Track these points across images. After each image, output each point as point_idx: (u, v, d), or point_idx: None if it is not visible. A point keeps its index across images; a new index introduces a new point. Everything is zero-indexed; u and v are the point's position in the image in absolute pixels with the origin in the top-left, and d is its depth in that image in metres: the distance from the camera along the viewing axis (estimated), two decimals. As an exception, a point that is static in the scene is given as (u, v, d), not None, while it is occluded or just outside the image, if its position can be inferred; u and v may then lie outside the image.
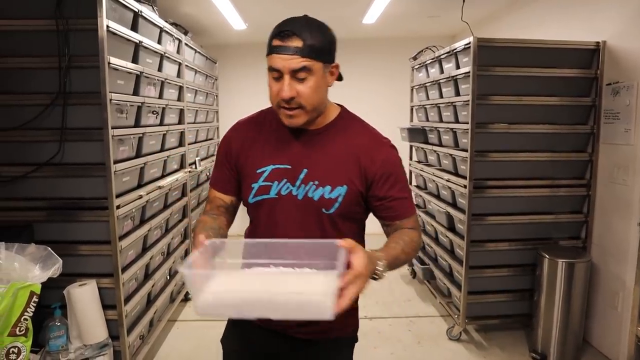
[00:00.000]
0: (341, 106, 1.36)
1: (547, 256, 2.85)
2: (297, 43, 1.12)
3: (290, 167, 1.24)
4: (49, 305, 2.30)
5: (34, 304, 1.63)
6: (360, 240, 1.31)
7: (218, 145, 1.46)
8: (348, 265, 0.95)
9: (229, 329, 1.45)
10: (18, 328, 1.61)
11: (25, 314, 1.60)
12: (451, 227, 3.40)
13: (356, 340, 1.44)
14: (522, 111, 3.00)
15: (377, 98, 5.72)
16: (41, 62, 2.23)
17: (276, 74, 1.16)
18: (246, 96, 5.47)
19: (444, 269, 3.58)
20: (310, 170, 1.23)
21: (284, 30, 1.14)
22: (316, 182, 1.22)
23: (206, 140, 4.53)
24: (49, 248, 1.74)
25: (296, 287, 0.93)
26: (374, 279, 1.07)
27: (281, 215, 1.25)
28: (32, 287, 1.61)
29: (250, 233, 1.35)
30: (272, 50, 1.15)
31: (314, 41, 1.14)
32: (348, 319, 1.34)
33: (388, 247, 1.17)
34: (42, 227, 2.36)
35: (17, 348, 1.61)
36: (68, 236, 2.38)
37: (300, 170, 1.23)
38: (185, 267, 0.93)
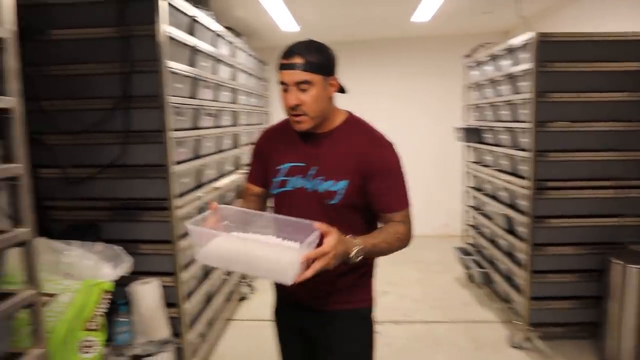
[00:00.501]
0: (348, 112, 1.56)
1: (618, 262, 2.69)
2: (299, 60, 1.38)
3: (304, 164, 1.48)
4: (115, 302, 2.37)
5: (107, 301, 1.68)
6: (365, 227, 1.50)
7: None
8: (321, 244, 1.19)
9: (276, 307, 1.70)
10: (92, 323, 1.67)
11: (99, 309, 1.66)
12: (511, 230, 3.28)
13: (371, 310, 1.61)
14: (587, 108, 2.86)
15: (427, 98, 5.61)
16: (104, 68, 2.32)
17: (284, 87, 1.41)
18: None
19: (504, 272, 3.45)
20: (319, 167, 1.46)
21: (289, 50, 1.41)
22: (322, 177, 1.45)
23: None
24: (119, 247, 1.80)
25: (270, 254, 1.19)
26: (347, 260, 1.28)
27: (295, 204, 1.47)
28: (104, 284, 1.67)
29: None
30: (280, 67, 1.42)
31: (313, 59, 1.39)
32: (363, 293, 1.58)
33: (369, 236, 1.38)
34: (107, 227, 2.45)
35: (91, 342, 1.67)
36: (130, 235, 2.45)
37: (310, 167, 1.47)
38: (192, 223, 1.27)
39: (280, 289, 1.65)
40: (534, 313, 3.00)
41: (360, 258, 1.30)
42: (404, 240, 1.45)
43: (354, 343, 1.55)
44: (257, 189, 1.64)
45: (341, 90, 1.52)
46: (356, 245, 1.29)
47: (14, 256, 1.42)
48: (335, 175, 1.44)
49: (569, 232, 2.96)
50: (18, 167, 1.30)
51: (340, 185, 1.43)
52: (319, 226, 1.21)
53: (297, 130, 1.47)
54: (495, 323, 3.45)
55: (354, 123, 1.53)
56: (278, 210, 1.53)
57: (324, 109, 1.45)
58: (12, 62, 1.29)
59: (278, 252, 1.19)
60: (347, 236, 1.29)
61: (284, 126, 1.59)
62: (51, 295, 1.62)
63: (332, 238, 1.21)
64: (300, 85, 1.38)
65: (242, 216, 1.38)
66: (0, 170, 1.26)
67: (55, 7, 2.32)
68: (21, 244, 1.32)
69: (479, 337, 3.24)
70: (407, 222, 1.47)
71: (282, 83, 1.42)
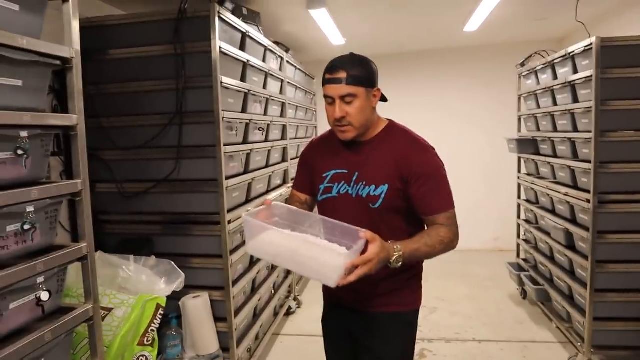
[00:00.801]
0: (389, 120, 1.62)
1: (692, 281, 2.49)
2: (342, 75, 1.44)
3: (347, 171, 1.55)
4: (167, 315, 2.40)
5: (160, 316, 1.70)
6: (409, 229, 1.53)
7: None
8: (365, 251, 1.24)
9: (325, 311, 1.77)
10: (146, 338, 1.68)
11: (153, 325, 1.67)
12: (570, 246, 3.10)
13: (416, 313, 1.63)
14: (653, 116, 2.68)
15: (478, 108, 5.46)
16: (159, 84, 2.38)
17: (330, 100, 1.49)
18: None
19: (563, 290, 3.27)
20: (361, 173, 1.52)
21: (333, 66, 1.47)
22: (364, 182, 1.51)
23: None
24: (173, 263, 1.81)
25: (318, 255, 1.23)
26: (390, 265, 1.32)
27: (340, 209, 1.53)
28: (158, 299, 1.68)
29: None
30: (325, 82, 1.48)
31: (356, 72, 1.45)
32: (406, 297, 1.59)
33: (410, 241, 1.40)
34: (160, 240, 2.49)
35: (145, 357, 1.69)
36: (182, 249, 2.48)
37: (353, 174, 1.53)
38: (248, 215, 1.33)
39: (327, 292, 1.72)
40: (596, 334, 2.81)
41: (400, 264, 1.34)
42: (448, 244, 1.46)
43: (393, 345, 1.58)
44: (302, 196, 1.71)
45: (383, 99, 1.58)
46: (396, 251, 1.33)
47: (73, 270, 1.45)
48: (376, 180, 1.50)
49: (633, 248, 2.77)
50: (79, 183, 1.33)
51: (381, 190, 1.48)
52: (364, 235, 1.26)
53: (342, 139, 1.54)
54: (553, 344, 3.26)
55: (394, 129, 1.58)
56: (323, 214, 1.56)
57: (368, 119, 1.51)
58: (77, 81, 1.33)
59: (326, 255, 1.23)
60: (389, 242, 1.34)
61: (328, 137, 1.68)
62: (108, 309, 1.65)
63: (376, 246, 1.26)
64: (345, 98, 1.45)
65: (292, 215, 1.44)
66: (63, 186, 1.29)
67: (113, 27, 2.41)
68: (82, 258, 1.35)
69: (535, 358, 3.07)
70: (450, 224, 1.48)
71: (327, 97, 1.49)
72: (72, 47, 1.28)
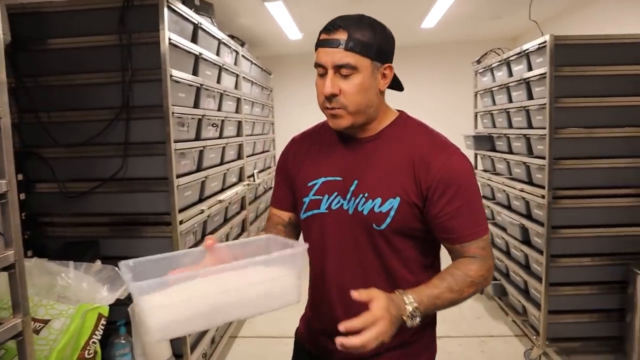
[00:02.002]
0: (401, 111, 1.23)
1: (641, 273, 2.57)
2: (342, 36, 1.06)
3: (341, 179, 1.14)
4: (114, 322, 2.26)
5: (102, 327, 1.57)
6: (424, 260, 1.16)
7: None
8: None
9: (299, 332, 1.36)
10: (87, 351, 1.55)
11: (94, 336, 1.55)
12: (526, 241, 3.15)
13: None
14: (604, 113, 2.74)
15: (438, 105, 5.53)
16: (105, 77, 2.22)
17: (321, 70, 1.10)
18: (301, 106, 5.42)
19: (518, 285, 3.32)
20: (360, 181, 1.11)
21: (332, 23, 1.08)
22: (366, 194, 1.10)
23: (263, 152, 4.49)
24: (117, 268, 1.69)
25: (259, 277, 0.89)
26: (405, 323, 0.97)
27: (331, 232, 1.15)
28: (100, 308, 1.56)
29: None
30: (318, 44, 1.10)
31: (362, 36, 1.06)
32: (418, 349, 1.20)
33: (426, 285, 1.03)
34: (107, 243, 2.34)
35: (85, 372, 1.56)
36: (132, 252, 2.29)
37: (351, 182, 1.12)
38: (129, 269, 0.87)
39: (306, 339, 1.31)
40: (551, 327, 2.87)
41: (418, 320, 0.97)
42: (480, 284, 1.08)
43: None
44: (284, 215, 1.29)
45: (396, 84, 1.20)
46: (409, 304, 0.97)
47: (2, 280, 1.31)
48: (382, 192, 1.09)
49: (587, 242, 2.83)
50: (4, 184, 1.20)
51: (389, 205, 1.08)
52: (357, 296, 0.92)
53: (333, 128, 1.14)
54: (509, 337, 3.31)
55: (407, 122, 1.18)
56: (307, 238, 1.21)
57: (369, 104, 1.10)
58: (-1, 70, 1.19)
59: (265, 274, 0.92)
60: (396, 292, 0.99)
61: (316, 132, 1.29)
62: (44, 321, 1.51)
63: (381, 299, 0.92)
64: (341, 69, 1.06)
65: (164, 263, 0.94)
66: (-15, 188, 1.16)
67: (52, 14, 2.23)
68: (8, 267, 1.22)
69: (493, 352, 3.10)
70: (484, 256, 1.09)
71: (318, 65, 1.10)
72: (-7, 32, 1.15)
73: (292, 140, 1.34)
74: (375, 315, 0.89)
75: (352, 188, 1.12)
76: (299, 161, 1.25)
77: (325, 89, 1.08)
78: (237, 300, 0.86)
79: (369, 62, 1.07)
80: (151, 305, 0.79)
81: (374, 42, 1.07)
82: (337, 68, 1.06)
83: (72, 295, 1.56)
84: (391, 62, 1.13)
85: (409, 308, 0.96)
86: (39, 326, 1.50)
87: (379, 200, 1.08)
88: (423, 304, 0.98)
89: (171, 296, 0.81)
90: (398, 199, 1.07)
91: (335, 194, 1.14)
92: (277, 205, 1.31)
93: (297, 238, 1.29)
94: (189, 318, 0.82)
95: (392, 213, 1.07)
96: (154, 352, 2.24)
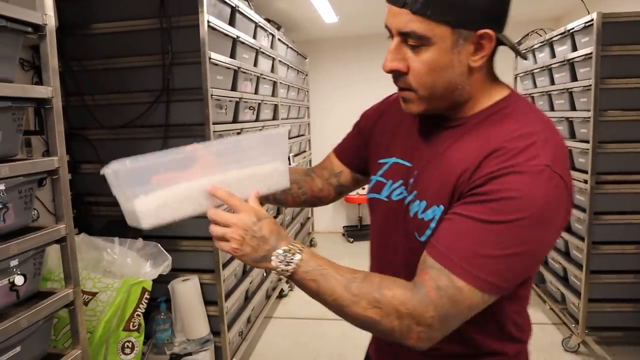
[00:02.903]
0: (512, 91, 0.89)
1: (689, 262, 2.47)
2: None
3: (410, 164, 0.91)
4: (155, 299, 2.34)
5: (146, 300, 1.64)
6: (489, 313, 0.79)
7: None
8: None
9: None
10: (132, 323, 1.62)
11: (138, 309, 1.61)
12: (566, 227, 3.07)
13: None
14: (654, 95, 2.62)
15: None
16: (145, 60, 2.27)
17: (389, 33, 0.82)
18: (336, 91, 5.40)
19: (557, 272, 3.25)
20: (419, 174, 0.88)
21: None
22: (415, 192, 0.88)
23: (298, 136, 4.51)
24: (159, 245, 1.75)
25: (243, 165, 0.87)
26: (272, 267, 0.80)
27: (382, 226, 0.96)
28: (144, 283, 1.62)
29: None
30: None
31: None
32: None
33: (329, 261, 0.81)
34: (148, 223, 2.41)
35: (131, 343, 1.63)
36: (170, 231, 2.41)
37: (413, 173, 0.90)
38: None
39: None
40: (591, 315, 2.80)
41: (288, 273, 0.79)
42: (383, 319, 0.75)
43: None
44: (335, 163, 1.13)
45: (514, 50, 0.86)
46: (291, 248, 0.79)
47: (54, 253, 1.38)
48: (430, 195, 0.85)
49: (631, 229, 2.74)
50: (56, 160, 1.25)
51: (431, 213, 0.83)
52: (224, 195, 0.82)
53: (405, 111, 0.89)
54: (547, 325, 3.25)
55: (508, 107, 0.84)
56: (370, 220, 1.03)
57: (451, 87, 0.82)
58: (51, 50, 1.24)
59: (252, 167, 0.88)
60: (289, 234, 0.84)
61: None
62: (92, 294, 1.58)
63: (256, 214, 0.81)
64: (408, 38, 0.78)
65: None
66: (37, 163, 1.22)
67: (95, 0, 2.29)
68: (60, 240, 1.28)
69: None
70: (427, 303, 0.73)
71: (386, 27, 0.82)
72: (44, 12, 1.19)
73: (383, 101, 1.10)
74: (238, 219, 0.79)
75: (411, 181, 0.90)
76: (381, 130, 1.03)
77: (385, 62, 0.81)
78: (221, 181, 0.84)
79: (447, 31, 0.76)
80: (139, 200, 0.79)
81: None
82: (402, 35, 0.79)
83: (117, 270, 1.63)
84: (494, 27, 0.78)
85: (287, 249, 0.79)
86: (87, 298, 1.57)
87: (424, 204, 0.85)
88: (306, 263, 0.78)
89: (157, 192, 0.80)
90: (442, 207, 0.82)
91: (400, 182, 0.92)
92: (337, 151, 1.15)
93: (337, 193, 1.17)
94: (175, 202, 0.82)
95: (432, 224, 0.83)
96: (192, 328, 2.32)
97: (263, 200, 1.06)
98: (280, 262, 0.79)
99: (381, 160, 0.99)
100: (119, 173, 0.74)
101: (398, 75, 0.83)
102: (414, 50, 0.78)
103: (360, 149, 1.08)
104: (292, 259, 0.78)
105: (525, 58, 0.93)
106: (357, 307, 0.76)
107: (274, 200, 1.15)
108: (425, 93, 0.82)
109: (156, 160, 0.79)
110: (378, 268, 0.98)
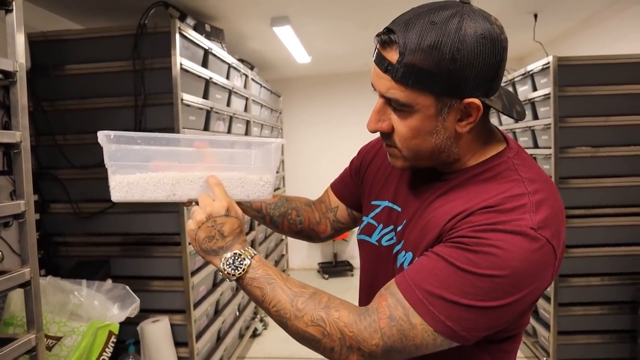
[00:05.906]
0: (508, 146, 0.85)
1: (651, 293, 2.55)
2: (392, 55, 0.73)
3: (400, 210, 0.91)
4: (124, 341, 2.29)
5: (112, 344, 1.61)
6: (459, 355, 0.79)
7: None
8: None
9: None
10: (97, 368, 1.59)
11: (104, 353, 1.58)
12: (534, 260, 3.14)
13: None
14: (609, 132, 2.76)
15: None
16: (119, 101, 2.30)
17: (373, 89, 0.81)
18: (309, 128, 5.48)
19: (527, 305, 3.30)
20: (407, 224, 0.87)
21: (387, 28, 0.75)
22: (404, 242, 0.86)
23: (272, 173, 4.53)
24: (127, 287, 1.73)
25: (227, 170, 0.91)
26: (222, 271, 0.82)
27: (373, 270, 0.94)
28: (110, 326, 1.60)
29: None
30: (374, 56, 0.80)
31: (421, 59, 0.70)
32: None
33: (278, 271, 0.83)
34: (118, 262, 2.39)
35: (95, 389, 1.59)
36: (141, 271, 2.39)
37: (402, 221, 0.89)
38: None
39: None
40: (561, 348, 2.84)
41: (235, 277, 0.81)
42: (322, 339, 0.76)
43: None
44: (332, 198, 1.14)
45: (505, 114, 0.78)
46: (243, 252, 0.82)
47: (18, 297, 1.36)
48: (416, 247, 0.83)
49: (595, 261, 2.82)
50: (22, 204, 1.25)
51: None
52: (211, 181, 0.88)
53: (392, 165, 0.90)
54: (519, 359, 3.28)
55: (502, 163, 0.82)
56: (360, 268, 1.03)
57: (437, 150, 0.80)
58: (21, 96, 1.26)
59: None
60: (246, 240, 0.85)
61: None
62: (57, 338, 1.55)
63: (228, 201, 0.85)
64: (392, 102, 0.78)
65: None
66: (4, 207, 1.21)
67: (70, 42, 2.33)
68: (24, 284, 1.26)
69: (504, 374, 3.07)
70: (375, 330, 0.73)
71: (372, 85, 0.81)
72: (15, 60, 1.22)
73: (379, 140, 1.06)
74: (209, 203, 0.84)
75: (399, 227, 0.89)
76: (377, 171, 1.02)
77: (369, 123, 0.81)
78: (199, 177, 0.90)
79: (430, 99, 0.74)
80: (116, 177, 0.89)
81: (442, 68, 0.71)
82: (387, 100, 0.78)
83: (84, 313, 1.60)
84: (481, 95, 0.74)
85: (239, 253, 0.82)
86: (52, 343, 1.54)
87: (409, 256, 0.83)
88: (255, 270, 0.81)
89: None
90: None
91: (391, 227, 0.91)
92: (333, 186, 1.16)
93: (333, 229, 1.17)
94: (150, 184, 0.89)
95: None
96: (162, 371, 2.26)
97: (250, 210, 1.10)
98: (228, 265, 0.81)
99: (374, 202, 0.99)
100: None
101: (382, 134, 0.84)
102: (398, 114, 0.78)
103: (356, 186, 1.09)
104: (241, 263, 0.81)
105: (519, 119, 0.84)
106: (299, 322, 0.77)
107: (270, 222, 1.14)
108: (410, 155, 0.82)
109: (154, 149, 0.89)
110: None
